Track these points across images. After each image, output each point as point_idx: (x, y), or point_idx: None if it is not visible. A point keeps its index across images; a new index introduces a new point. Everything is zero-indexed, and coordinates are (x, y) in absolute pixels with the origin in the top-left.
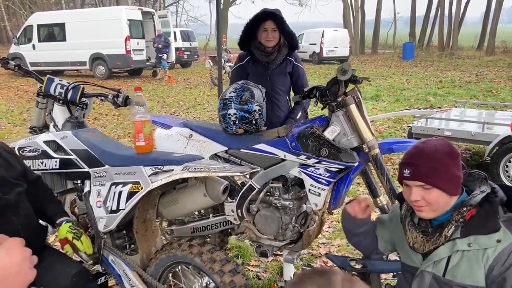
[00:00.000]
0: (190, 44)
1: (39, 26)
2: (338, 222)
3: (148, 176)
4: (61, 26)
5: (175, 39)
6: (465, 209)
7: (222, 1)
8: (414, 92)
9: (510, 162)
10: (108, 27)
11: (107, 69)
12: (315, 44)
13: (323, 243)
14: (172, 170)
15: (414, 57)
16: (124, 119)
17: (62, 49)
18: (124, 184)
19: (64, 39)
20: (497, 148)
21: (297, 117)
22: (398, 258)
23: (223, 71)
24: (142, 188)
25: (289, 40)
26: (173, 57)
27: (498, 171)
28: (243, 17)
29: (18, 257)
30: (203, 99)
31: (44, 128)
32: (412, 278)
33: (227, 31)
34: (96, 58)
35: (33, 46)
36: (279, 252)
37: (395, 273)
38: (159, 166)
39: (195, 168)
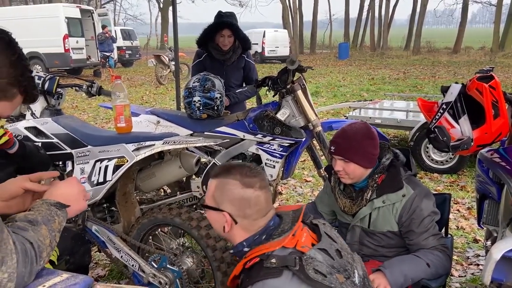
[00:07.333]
0: (132, 43)
1: None
2: (288, 200)
3: (132, 151)
4: None
5: (116, 38)
6: (376, 176)
7: (162, 0)
8: (350, 89)
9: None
10: (45, 25)
11: (45, 69)
12: (257, 44)
13: None
14: (154, 144)
15: (349, 57)
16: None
17: None
18: (110, 159)
19: None
20: (418, 132)
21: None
22: None
23: (168, 70)
24: (127, 161)
25: (243, 43)
26: (115, 56)
27: (420, 152)
28: (183, 16)
29: (75, 189)
30: (150, 97)
31: (20, 117)
32: (346, 231)
33: (168, 31)
34: (32, 57)
35: None
36: None
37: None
38: (141, 143)
39: (174, 142)
